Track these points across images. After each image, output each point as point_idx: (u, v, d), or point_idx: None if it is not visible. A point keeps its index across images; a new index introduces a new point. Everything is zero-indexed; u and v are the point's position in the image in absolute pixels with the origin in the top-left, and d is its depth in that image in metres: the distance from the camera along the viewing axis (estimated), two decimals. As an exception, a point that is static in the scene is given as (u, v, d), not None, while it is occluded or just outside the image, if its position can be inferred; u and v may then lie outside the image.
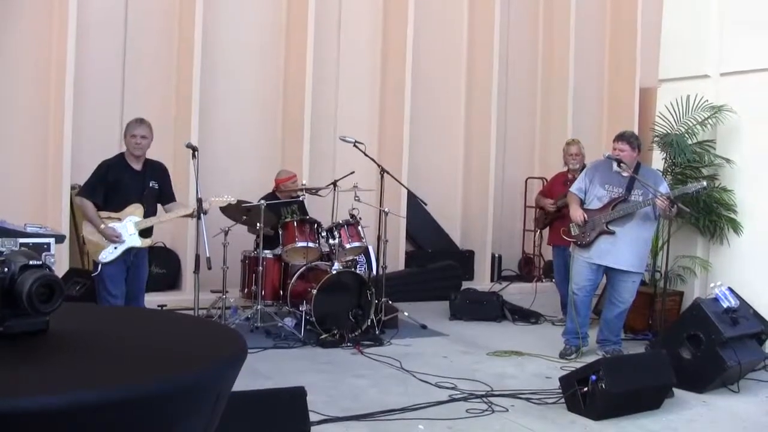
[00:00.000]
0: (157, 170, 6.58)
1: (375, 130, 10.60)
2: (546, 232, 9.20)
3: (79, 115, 8.37)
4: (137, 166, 6.40)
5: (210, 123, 9.22)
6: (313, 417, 4.48)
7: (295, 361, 6.58)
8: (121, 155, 6.48)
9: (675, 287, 8.02)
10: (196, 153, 6.60)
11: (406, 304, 8.56)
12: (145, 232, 6.39)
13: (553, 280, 9.13)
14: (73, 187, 8.08)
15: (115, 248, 6.21)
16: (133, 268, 6.39)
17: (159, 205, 6.63)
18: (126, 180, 6.34)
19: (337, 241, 7.60)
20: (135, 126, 6.36)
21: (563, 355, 6.94)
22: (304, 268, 7.68)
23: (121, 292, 6.26)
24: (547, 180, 11.72)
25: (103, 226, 6.17)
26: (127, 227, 6.26)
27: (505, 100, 11.65)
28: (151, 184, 6.45)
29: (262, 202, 7.58)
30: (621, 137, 6.88)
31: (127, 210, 6.30)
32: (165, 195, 6.62)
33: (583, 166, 8.18)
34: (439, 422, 5.05)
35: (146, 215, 6.38)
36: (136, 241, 6.31)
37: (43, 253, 2.14)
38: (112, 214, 6.26)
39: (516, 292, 10.18)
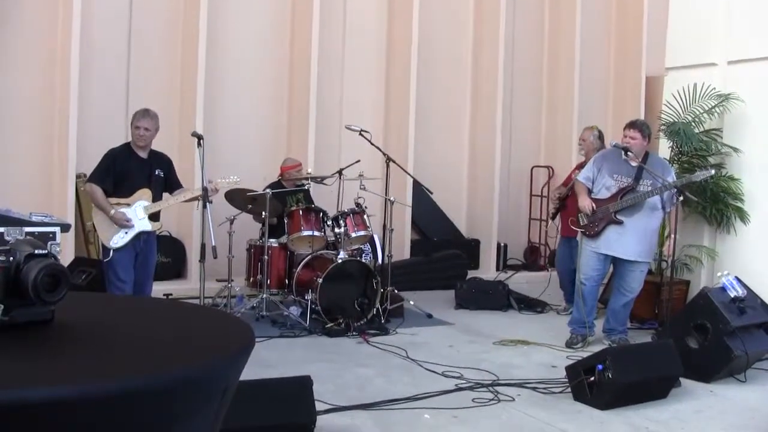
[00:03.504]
0: (162, 160, 6.68)
1: (381, 118, 10.56)
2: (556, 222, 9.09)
3: (85, 105, 8.36)
4: (143, 154, 6.51)
5: (215, 112, 9.20)
6: (318, 406, 4.48)
7: (301, 350, 6.58)
8: (127, 144, 6.58)
9: (681, 276, 8.00)
10: (201, 142, 6.64)
11: (411, 293, 8.54)
12: (153, 217, 6.47)
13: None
14: (78, 176, 8.09)
15: (126, 233, 6.30)
16: (142, 254, 6.46)
17: (165, 193, 6.69)
18: (133, 168, 6.43)
19: (342, 229, 7.59)
20: (139, 117, 6.46)
21: (569, 345, 6.93)
22: (309, 256, 7.67)
23: (130, 279, 6.34)
24: (553, 169, 11.71)
25: (113, 211, 6.25)
26: (137, 212, 6.35)
27: (511, 88, 11.59)
28: (157, 172, 6.54)
29: (268, 190, 7.56)
30: (633, 125, 6.82)
31: (135, 195, 6.39)
32: (171, 183, 6.72)
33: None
34: (445, 411, 5.05)
35: (153, 200, 6.47)
36: (146, 226, 6.39)
37: (49, 242, 2.14)
38: (121, 200, 6.35)
39: (522, 281, 10.16)
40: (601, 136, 8.31)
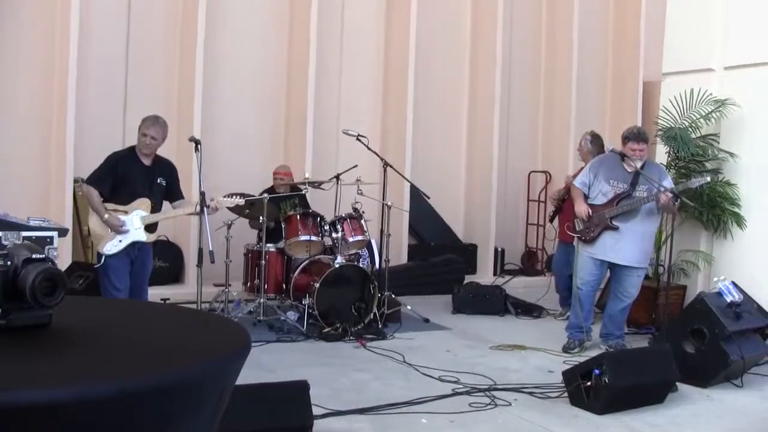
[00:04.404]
0: (165, 167, 6.56)
1: (378, 123, 10.58)
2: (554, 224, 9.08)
3: (82, 109, 8.37)
4: (147, 161, 6.38)
5: (213, 116, 9.21)
6: (315, 410, 4.48)
7: (298, 355, 6.58)
8: (132, 149, 6.44)
9: (678, 281, 8.00)
10: (198, 146, 6.57)
11: (408, 297, 8.55)
12: (150, 228, 6.38)
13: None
14: (75, 181, 8.08)
15: (120, 241, 6.20)
16: (137, 262, 6.38)
17: (166, 202, 6.61)
18: (135, 174, 6.32)
19: (339, 234, 7.60)
20: (149, 125, 6.31)
21: (566, 349, 6.93)
22: (306, 261, 7.68)
23: (125, 286, 6.25)
24: (550, 174, 11.73)
25: (107, 215, 6.15)
26: (134, 221, 6.24)
27: (508, 93, 11.62)
28: (158, 181, 6.42)
29: (265, 195, 7.57)
30: (638, 137, 6.73)
31: (134, 204, 6.28)
32: (173, 193, 6.60)
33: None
34: (441, 416, 5.05)
35: (153, 211, 6.37)
36: (141, 236, 6.29)
37: (46, 247, 2.14)
38: (119, 207, 6.25)
39: (520, 286, 10.17)
40: (594, 141, 8.27)
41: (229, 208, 7.59)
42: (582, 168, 8.25)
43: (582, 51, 11.75)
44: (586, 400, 5.24)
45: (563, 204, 8.32)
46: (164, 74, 9.19)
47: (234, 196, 6.96)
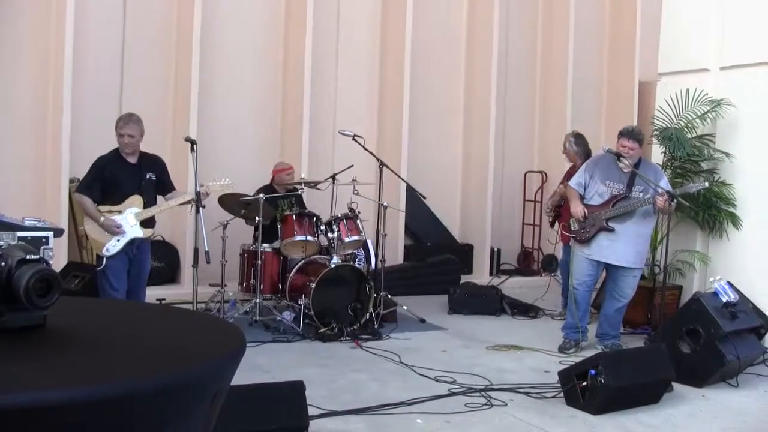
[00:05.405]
0: (152, 163, 6.61)
1: (374, 123, 10.57)
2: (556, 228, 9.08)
3: (78, 109, 8.34)
4: (132, 159, 6.44)
5: (209, 116, 9.19)
6: (311, 411, 4.49)
7: (294, 355, 6.57)
8: (116, 150, 6.48)
9: (674, 281, 8.01)
10: (194, 146, 6.59)
11: (404, 298, 8.55)
12: (146, 223, 6.43)
13: (553, 274, 9.10)
14: (71, 181, 8.07)
15: (118, 241, 6.25)
16: (135, 261, 6.43)
17: (159, 196, 6.65)
18: (122, 174, 6.37)
19: (335, 234, 7.59)
20: (122, 125, 6.35)
21: (562, 350, 6.93)
22: (302, 261, 7.67)
23: (122, 286, 6.30)
24: (547, 174, 11.73)
25: (102, 218, 6.20)
26: (128, 219, 6.30)
27: (504, 93, 11.61)
28: (148, 176, 6.47)
29: (261, 195, 7.57)
30: (630, 135, 6.71)
31: (126, 202, 6.34)
32: (164, 186, 6.66)
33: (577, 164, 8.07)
34: (437, 416, 5.05)
35: (146, 206, 6.42)
36: (138, 232, 6.34)
37: (42, 247, 2.14)
38: (112, 208, 6.29)
39: (516, 286, 10.17)
40: (578, 140, 8.26)
41: (224, 207, 7.60)
42: (570, 169, 8.30)
43: (578, 51, 11.75)
44: (582, 401, 5.24)
45: (560, 209, 8.32)
46: (160, 74, 9.17)
47: (223, 180, 6.96)
